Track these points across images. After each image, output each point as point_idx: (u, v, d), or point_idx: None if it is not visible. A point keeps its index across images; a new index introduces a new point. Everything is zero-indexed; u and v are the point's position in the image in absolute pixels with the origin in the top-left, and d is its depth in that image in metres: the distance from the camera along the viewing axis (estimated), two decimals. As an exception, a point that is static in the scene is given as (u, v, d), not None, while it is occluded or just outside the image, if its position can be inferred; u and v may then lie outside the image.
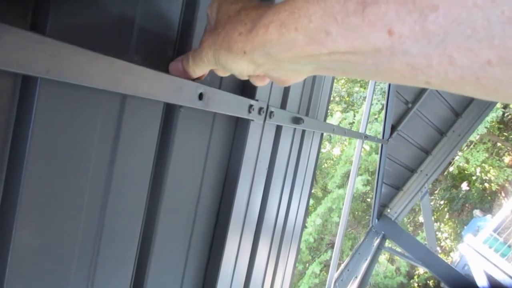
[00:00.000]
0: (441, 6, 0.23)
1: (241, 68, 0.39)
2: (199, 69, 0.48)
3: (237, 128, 0.84)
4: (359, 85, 11.89)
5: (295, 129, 1.25)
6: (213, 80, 0.68)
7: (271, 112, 0.91)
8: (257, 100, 0.82)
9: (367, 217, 10.54)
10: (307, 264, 9.58)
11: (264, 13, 0.34)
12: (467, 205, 13.17)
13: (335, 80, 1.71)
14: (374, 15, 0.26)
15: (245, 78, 0.46)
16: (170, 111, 0.59)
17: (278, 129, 1.08)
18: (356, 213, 11.08)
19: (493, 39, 0.22)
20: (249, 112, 0.79)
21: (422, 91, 4.22)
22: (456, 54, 0.24)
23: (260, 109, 0.85)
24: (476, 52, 0.23)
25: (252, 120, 0.83)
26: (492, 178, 12.61)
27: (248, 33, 0.35)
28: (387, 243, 5.23)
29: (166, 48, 0.56)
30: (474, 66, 0.23)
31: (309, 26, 0.30)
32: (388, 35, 0.26)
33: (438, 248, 10.84)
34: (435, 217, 12.74)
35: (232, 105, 0.71)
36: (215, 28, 0.41)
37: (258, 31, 0.34)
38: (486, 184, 12.97)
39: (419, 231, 11.82)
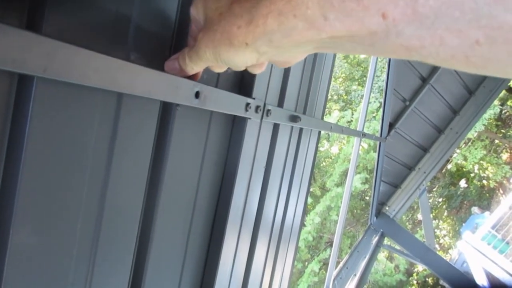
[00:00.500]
0: None
1: (244, 60, 0.40)
2: (197, 67, 0.49)
3: (234, 127, 0.84)
4: (357, 83, 11.90)
5: (292, 127, 1.25)
6: (210, 79, 0.68)
7: (268, 110, 0.92)
8: (254, 99, 0.82)
9: (365, 215, 10.56)
10: (306, 263, 9.60)
11: (260, 3, 0.34)
12: (465, 202, 13.21)
13: (332, 79, 1.71)
14: None
15: (243, 68, 0.46)
16: (166, 110, 0.59)
17: (276, 127, 1.08)
18: (355, 211, 11.10)
19: (480, 20, 0.23)
20: (246, 110, 0.79)
21: (419, 89, 4.23)
22: (447, 35, 0.25)
23: (257, 107, 0.85)
24: (465, 33, 0.24)
25: (249, 119, 0.83)
26: (490, 175, 12.65)
27: (247, 25, 0.36)
28: (386, 241, 5.22)
29: (162, 46, 0.56)
30: (464, 46, 0.25)
31: (307, 13, 0.30)
32: (383, 19, 0.27)
33: (436, 246, 10.87)
34: (433, 214, 12.78)
35: (229, 103, 0.71)
36: (208, 26, 0.41)
37: (257, 21, 0.34)
38: (484, 181, 13.01)
39: (418, 229, 11.84)
